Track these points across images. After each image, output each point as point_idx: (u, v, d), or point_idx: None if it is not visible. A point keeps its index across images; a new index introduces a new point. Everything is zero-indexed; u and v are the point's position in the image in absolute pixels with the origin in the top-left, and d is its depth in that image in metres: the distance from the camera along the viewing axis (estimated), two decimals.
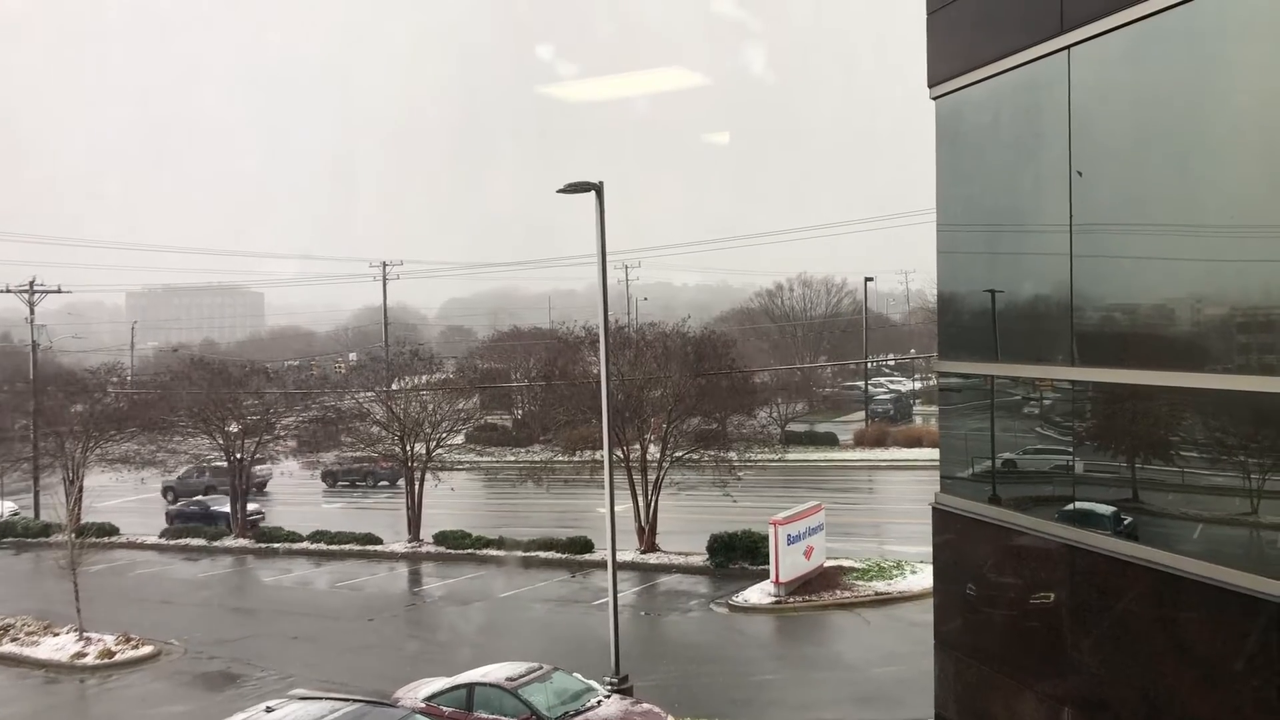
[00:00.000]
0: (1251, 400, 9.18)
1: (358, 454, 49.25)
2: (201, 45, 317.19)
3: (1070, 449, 11.77)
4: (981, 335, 13.36)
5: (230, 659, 26.71)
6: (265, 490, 54.36)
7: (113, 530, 43.51)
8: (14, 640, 28.63)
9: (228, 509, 44.47)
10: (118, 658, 27.00)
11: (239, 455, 43.46)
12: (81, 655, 27.16)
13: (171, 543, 42.61)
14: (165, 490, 53.96)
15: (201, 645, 28.01)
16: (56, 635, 28.44)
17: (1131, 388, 10.79)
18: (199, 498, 48.25)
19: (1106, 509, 11.20)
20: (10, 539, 45.12)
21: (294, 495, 53.83)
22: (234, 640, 28.47)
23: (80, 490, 43.48)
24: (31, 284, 54.03)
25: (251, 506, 44.84)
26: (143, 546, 42.46)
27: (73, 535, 29.41)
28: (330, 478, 55.92)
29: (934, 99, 13.53)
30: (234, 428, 43.47)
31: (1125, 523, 10.88)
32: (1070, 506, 11.60)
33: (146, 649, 27.47)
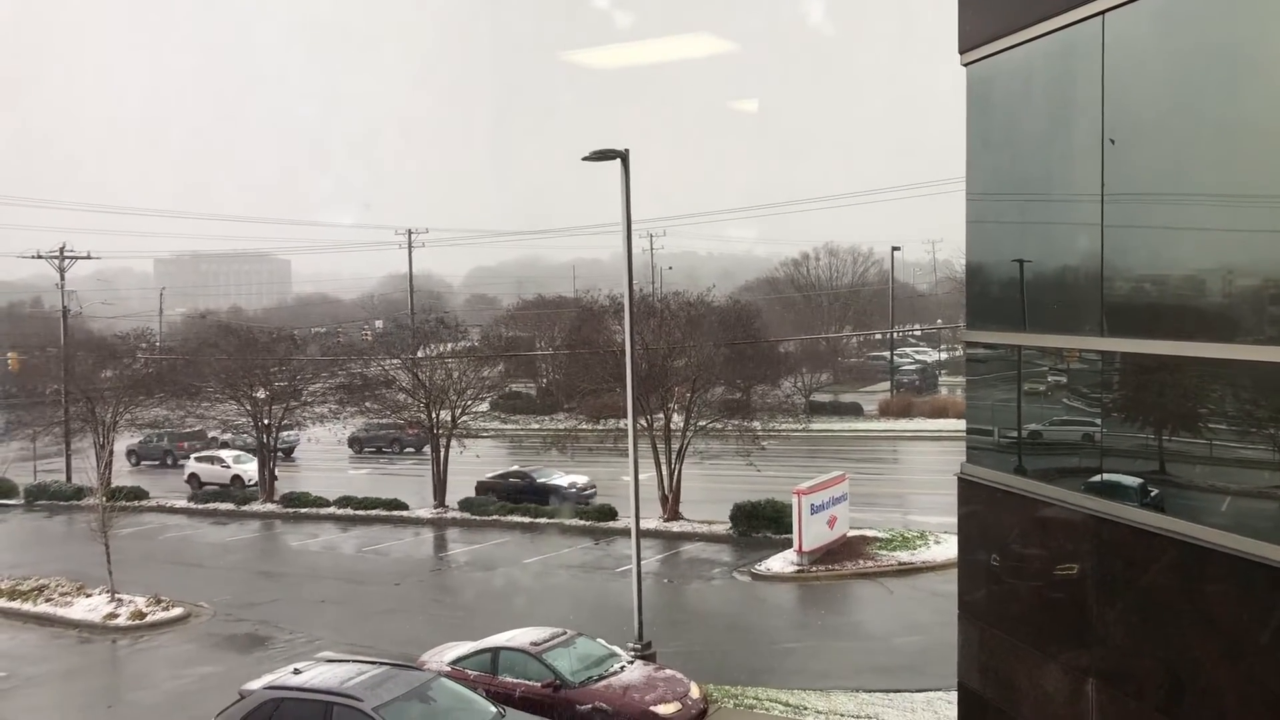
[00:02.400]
0: None
1: (384, 420, 49.61)
2: (250, 6, 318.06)
3: (1097, 420, 11.69)
4: (1010, 305, 13.26)
5: (258, 621, 27.09)
6: (292, 456, 54.90)
7: (143, 494, 44.11)
8: (48, 600, 29.14)
9: (556, 481, 39.51)
10: (149, 619, 27.43)
11: (266, 421, 43.85)
12: (113, 616, 27.61)
13: (200, 507, 43.14)
14: (129, 453, 55.36)
15: (230, 608, 28.42)
16: (89, 596, 28.93)
17: (1161, 358, 10.69)
18: (517, 468, 42.63)
19: (1133, 480, 11.13)
20: (43, 501, 45.81)
21: (320, 461, 54.35)
22: (262, 603, 28.86)
23: (111, 454, 44.05)
24: (62, 250, 54.47)
25: (582, 480, 39.58)
26: (172, 510, 43.02)
27: (103, 499, 29.80)
28: (356, 444, 56.56)
29: (965, 65, 13.37)
30: (261, 394, 43.84)
31: (1152, 494, 10.81)
32: (1097, 478, 11.54)
33: (177, 610, 27.91)
